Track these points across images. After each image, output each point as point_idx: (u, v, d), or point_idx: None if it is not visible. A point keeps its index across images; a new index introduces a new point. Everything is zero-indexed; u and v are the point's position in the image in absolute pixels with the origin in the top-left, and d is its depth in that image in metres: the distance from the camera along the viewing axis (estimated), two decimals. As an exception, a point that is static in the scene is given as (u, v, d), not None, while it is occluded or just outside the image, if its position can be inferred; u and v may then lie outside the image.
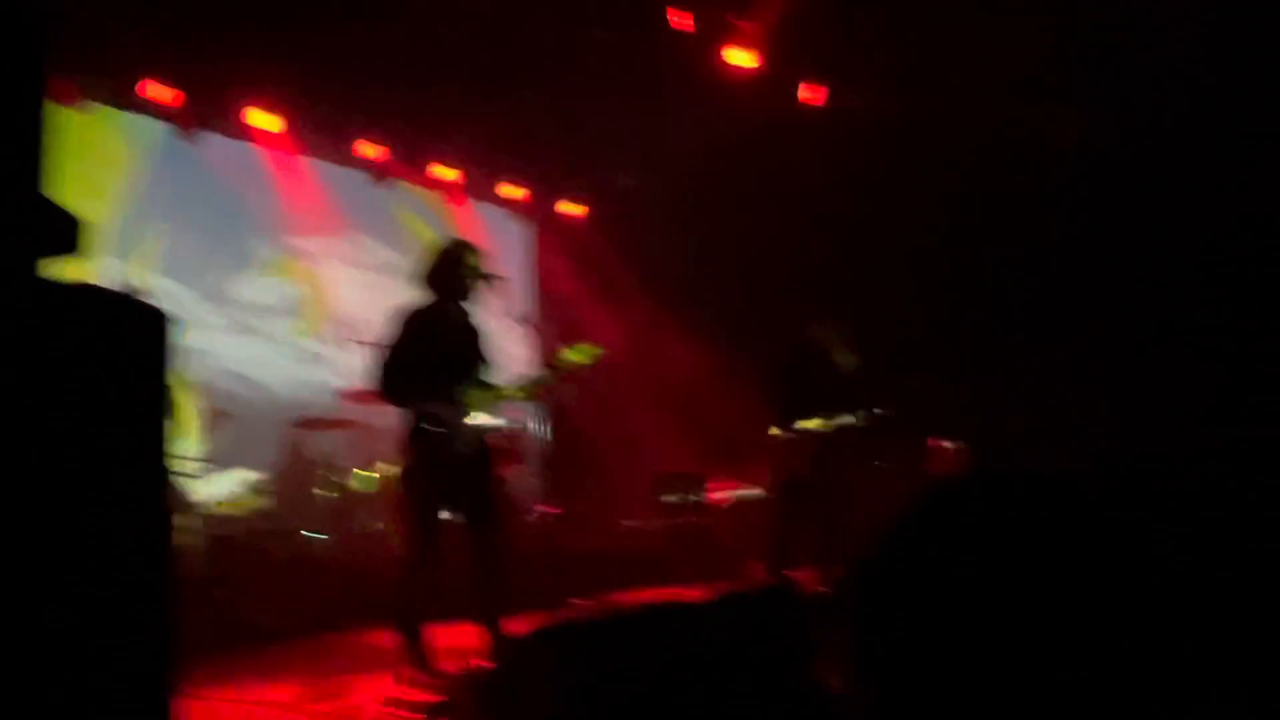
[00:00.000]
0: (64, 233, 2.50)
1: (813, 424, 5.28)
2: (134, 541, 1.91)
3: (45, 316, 1.85)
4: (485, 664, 3.62)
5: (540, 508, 7.52)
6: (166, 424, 2.20)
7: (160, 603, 2.03)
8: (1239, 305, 5.46)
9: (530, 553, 6.30)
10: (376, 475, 6.74)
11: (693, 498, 8.03)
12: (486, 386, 4.32)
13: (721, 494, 8.02)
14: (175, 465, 6.45)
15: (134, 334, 1.98)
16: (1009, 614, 0.74)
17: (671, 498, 8.11)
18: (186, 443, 6.78)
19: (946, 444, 6.32)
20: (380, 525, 6.61)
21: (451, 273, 4.27)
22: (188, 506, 6.35)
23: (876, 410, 5.36)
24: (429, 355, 4.20)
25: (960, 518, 0.79)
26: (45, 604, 1.74)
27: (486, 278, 4.29)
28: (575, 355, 4.44)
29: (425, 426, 4.17)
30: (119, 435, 1.89)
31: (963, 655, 0.74)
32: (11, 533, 1.73)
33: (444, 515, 4.18)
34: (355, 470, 6.76)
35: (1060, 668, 0.72)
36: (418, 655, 4.04)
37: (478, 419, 4.25)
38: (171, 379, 2.12)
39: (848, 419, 5.38)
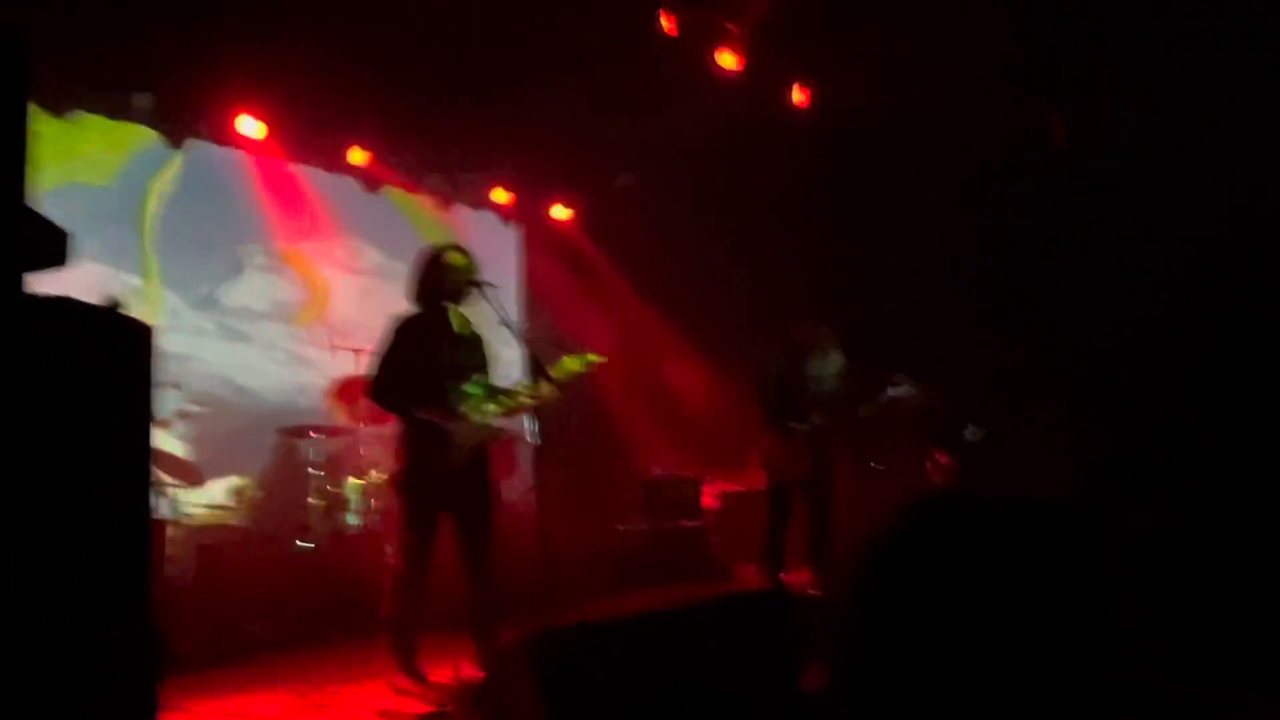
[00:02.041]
0: (52, 245, 2.49)
1: (805, 426, 5.29)
2: (116, 552, 1.91)
3: (30, 331, 1.84)
4: (476, 673, 3.61)
5: (534, 512, 7.51)
6: (150, 434, 2.20)
7: (142, 613, 2.02)
8: (1237, 308, 5.48)
9: (523, 558, 6.28)
10: (369, 482, 6.72)
11: (686, 500, 8.03)
12: (484, 390, 4.30)
13: (714, 496, 8.02)
14: (162, 474, 6.42)
15: (117, 347, 1.98)
16: (988, 629, 0.77)
17: (665, 501, 8.11)
18: (174, 450, 6.75)
19: (941, 456, 6.34)
20: (373, 533, 6.59)
21: (439, 277, 4.25)
22: (175, 515, 6.33)
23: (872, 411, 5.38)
24: (421, 361, 4.18)
25: (946, 537, 0.82)
26: (27, 616, 1.73)
27: (476, 283, 4.27)
28: (573, 364, 4.44)
29: (419, 433, 4.15)
30: (101, 447, 1.89)
31: (946, 668, 0.76)
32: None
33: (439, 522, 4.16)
34: (348, 477, 6.74)
35: (1035, 684, 0.74)
36: (410, 665, 4.02)
37: (476, 425, 4.23)
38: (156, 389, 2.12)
39: (841, 420, 5.39)
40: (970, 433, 6.21)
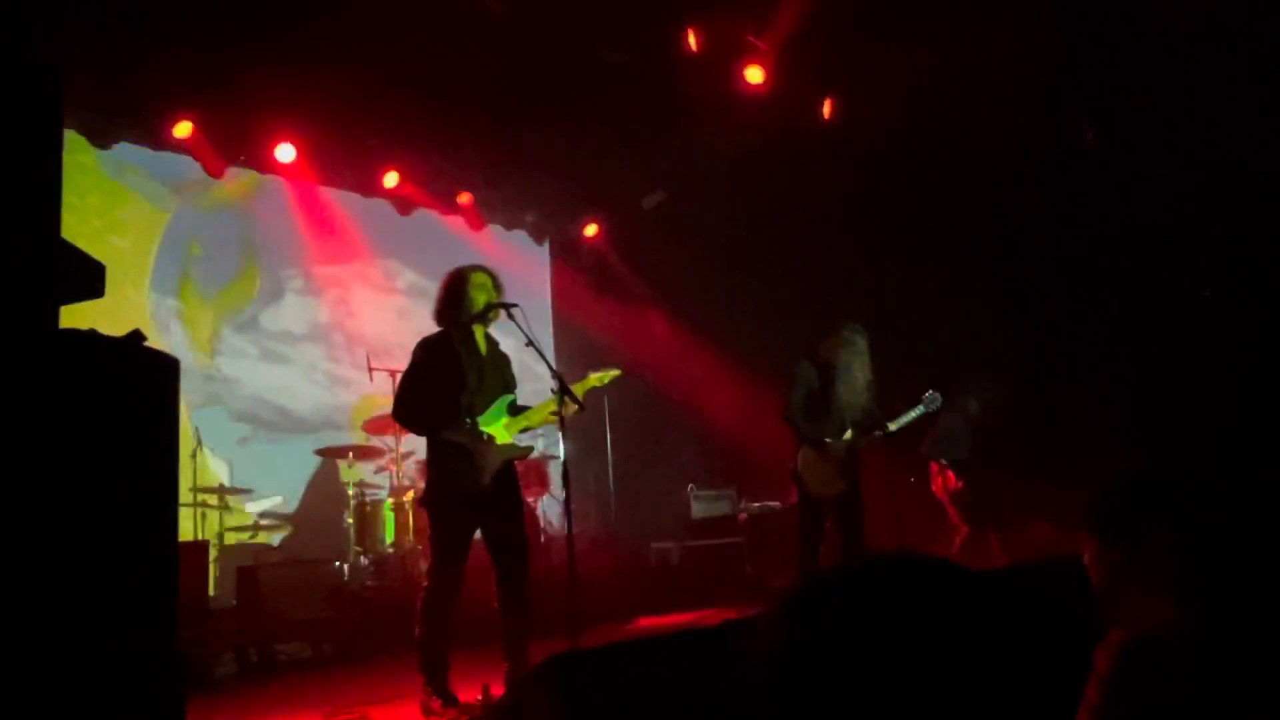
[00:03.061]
0: (87, 277, 2.57)
1: (835, 441, 5.25)
2: (141, 576, 1.95)
3: (61, 364, 1.90)
4: (502, 692, 3.62)
5: (565, 532, 7.53)
6: (176, 461, 2.25)
7: (168, 636, 2.06)
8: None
9: (556, 577, 6.30)
10: (403, 503, 6.79)
11: (722, 517, 8.00)
12: (508, 411, 4.34)
13: (747, 513, 7.98)
14: (203, 496, 6.54)
15: (142, 378, 2.03)
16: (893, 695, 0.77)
17: (701, 516, 8.08)
18: (216, 472, 6.89)
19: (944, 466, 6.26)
20: (407, 554, 6.65)
21: (464, 298, 4.29)
22: (216, 537, 6.43)
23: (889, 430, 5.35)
24: (447, 382, 4.22)
25: (852, 604, 0.81)
26: (52, 640, 1.78)
27: (502, 304, 4.30)
28: (597, 379, 4.49)
29: (447, 453, 4.18)
30: (127, 474, 1.93)
31: None
32: (25, 569, 1.77)
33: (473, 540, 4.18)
34: (384, 498, 6.82)
35: None
36: (441, 685, 4.04)
37: (502, 444, 4.25)
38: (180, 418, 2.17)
39: (874, 434, 5.35)
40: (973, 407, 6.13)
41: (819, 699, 0.77)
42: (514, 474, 4.33)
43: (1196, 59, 5.51)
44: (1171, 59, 5.60)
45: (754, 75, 7.07)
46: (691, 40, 6.80)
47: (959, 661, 0.77)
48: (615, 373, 4.57)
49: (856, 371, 5.28)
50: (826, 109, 7.48)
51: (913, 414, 5.49)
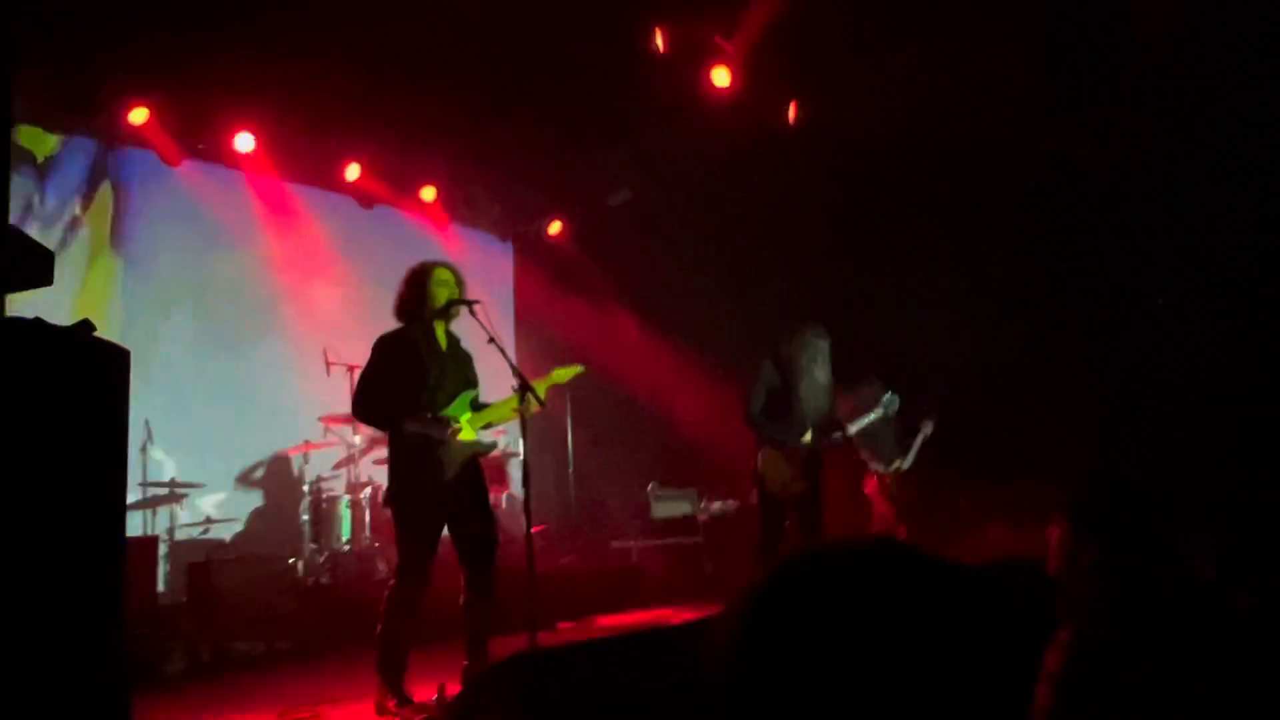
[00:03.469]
0: (36, 265, 2.50)
1: (795, 442, 5.28)
2: (87, 570, 1.90)
3: (4, 352, 1.84)
4: (458, 691, 3.59)
5: (526, 529, 7.50)
6: (125, 453, 2.20)
7: (114, 631, 2.02)
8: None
9: (516, 575, 6.26)
10: (361, 500, 6.72)
11: (684, 515, 8.01)
12: (470, 408, 4.31)
13: (706, 512, 8.00)
14: (154, 490, 6.41)
15: (91, 369, 1.98)
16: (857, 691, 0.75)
17: (661, 516, 8.09)
18: (168, 467, 6.76)
19: (878, 470, 6.24)
20: (364, 551, 6.58)
21: (425, 294, 4.26)
22: (167, 532, 6.32)
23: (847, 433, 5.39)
24: (407, 378, 4.18)
25: (809, 600, 0.79)
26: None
27: (463, 301, 4.27)
28: (560, 375, 4.49)
29: (409, 450, 4.14)
30: (74, 467, 1.89)
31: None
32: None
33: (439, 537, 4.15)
34: (341, 495, 6.74)
35: None
36: (396, 685, 4.00)
37: (465, 440, 4.23)
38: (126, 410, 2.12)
39: (834, 435, 5.39)
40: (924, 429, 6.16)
41: (779, 699, 0.76)
42: (479, 470, 4.32)
43: (1167, 67, 5.63)
44: (1141, 64, 5.72)
45: (721, 77, 7.09)
46: (659, 41, 6.80)
47: (928, 660, 0.75)
48: (578, 369, 4.58)
49: (818, 374, 5.32)
50: (791, 112, 7.53)
51: (872, 417, 5.55)
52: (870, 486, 6.41)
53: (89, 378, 1.84)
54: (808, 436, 5.29)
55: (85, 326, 1.86)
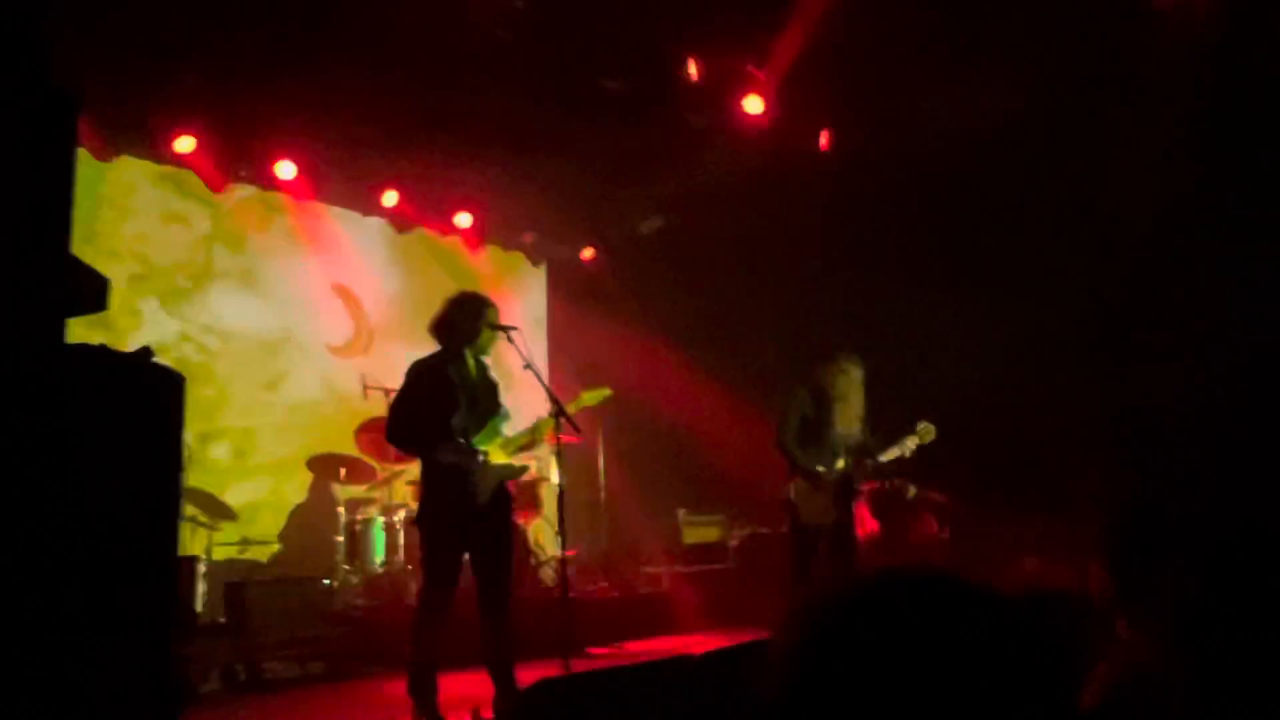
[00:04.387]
0: (92, 291, 2.59)
1: (829, 470, 5.28)
2: (141, 590, 1.96)
3: (68, 378, 1.92)
4: (492, 715, 3.62)
5: (557, 554, 7.53)
6: (179, 476, 2.26)
7: (165, 650, 2.07)
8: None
9: (546, 600, 6.28)
10: (395, 522, 6.77)
11: (714, 541, 8.00)
12: (500, 433, 4.36)
13: (738, 539, 7.97)
14: (192, 510, 6.52)
15: (149, 394, 2.05)
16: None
17: (692, 542, 8.08)
18: (206, 487, 6.86)
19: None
20: (398, 573, 6.63)
21: (461, 322, 4.32)
22: (204, 552, 6.41)
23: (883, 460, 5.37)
24: (440, 403, 4.24)
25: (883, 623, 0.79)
26: (52, 651, 1.79)
27: (498, 327, 4.34)
28: (590, 398, 4.55)
29: (441, 473, 4.20)
30: (130, 489, 1.95)
31: None
32: (27, 582, 1.79)
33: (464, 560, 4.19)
34: (375, 517, 6.80)
35: None
36: (429, 707, 4.03)
37: (497, 464, 4.28)
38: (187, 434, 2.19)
39: (866, 464, 5.38)
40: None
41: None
42: (508, 498, 4.35)
43: (1183, 95, 5.63)
44: (1162, 95, 5.72)
45: (753, 105, 7.16)
46: (692, 69, 6.89)
47: (987, 688, 0.76)
48: (606, 392, 4.64)
49: (851, 401, 5.31)
50: (823, 140, 7.57)
51: (908, 444, 5.52)
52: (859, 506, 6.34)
53: (148, 402, 1.91)
54: (840, 464, 5.29)
55: (145, 353, 1.93)
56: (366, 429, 6.98)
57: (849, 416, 5.36)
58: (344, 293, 8.48)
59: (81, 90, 2.02)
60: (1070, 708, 1.30)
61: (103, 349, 1.86)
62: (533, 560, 7.19)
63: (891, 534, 6.16)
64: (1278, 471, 4.87)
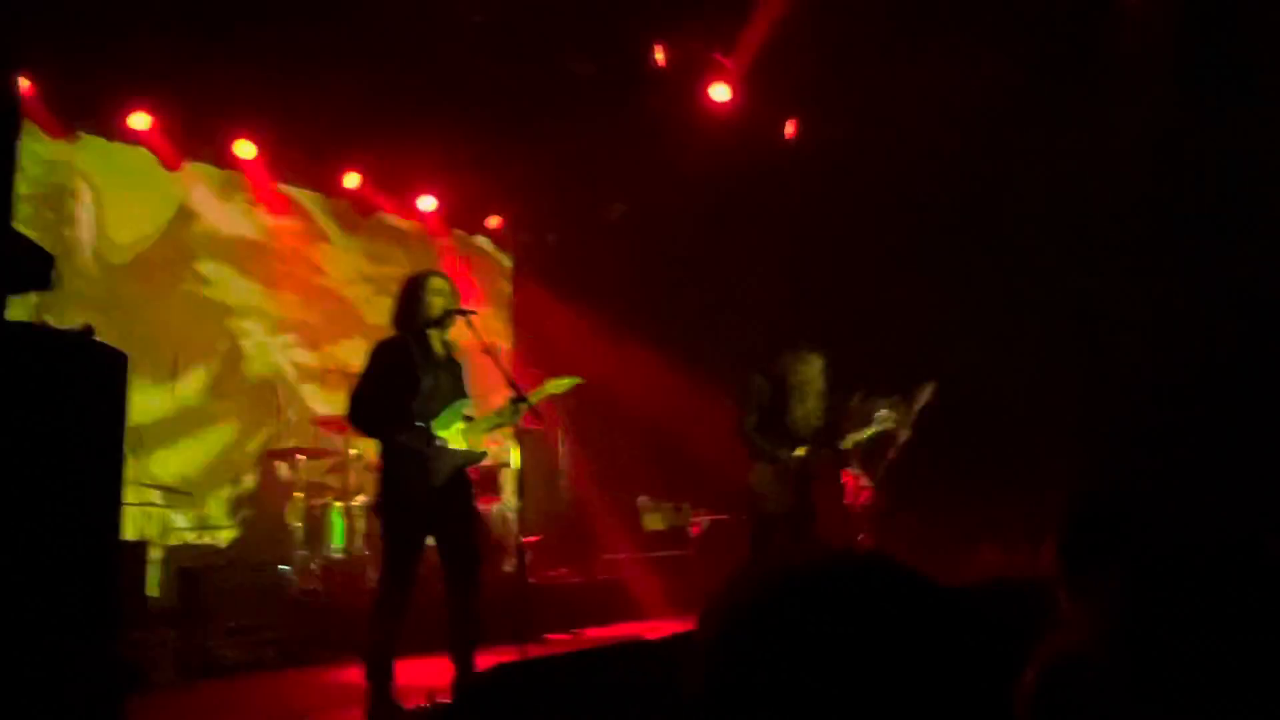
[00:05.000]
0: (36, 268, 2.52)
1: (789, 457, 5.30)
2: (83, 574, 1.92)
3: (6, 356, 1.87)
4: (448, 701, 3.60)
5: (517, 540, 7.51)
6: (122, 457, 2.22)
7: (110, 635, 2.03)
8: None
9: (506, 586, 6.26)
10: (352, 507, 6.71)
11: (674, 528, 8.03)
12: (461, 418, 4.33)
13: (697, 525, 8.01)
14: (146, 495, 6.41)
15: (89, 373, 2.00)
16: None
17: (652, 528, 8.10)
18: (159, 472, 6.75)
19: (858, 477, 6.21)
20: (355, 558, 6.57)
21: (420, 304, 4.28)
22: (158, 537, 6.31)
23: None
24: (400, 386, 4.20)
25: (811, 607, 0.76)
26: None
27: (459, 310, 4.30)
28: (555, 385, 4.52)
29: (400, 457, 4.16)
30: (70, 470, 1.91)
31: None
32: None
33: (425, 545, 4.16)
34: (332, 501, 6.73)
35: None
36: (385, 693, 4.00)
37: (455, 450, 4.24)
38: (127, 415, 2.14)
39: (825, 450, 5.41)
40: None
41: (757, 713, 0.74)
42: (467, 481, 4.33)
43: (1152, 76, 5.71)
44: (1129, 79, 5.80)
45: (720, 93, 7.15)
46: (659, 56, 6.86)
47: (906, 678, 0.73)
48: (573, 380, 4.61)
49: (812, 389, 5.34)
50: (789, 128, 7.59)
51: (867, 432, 5.56)
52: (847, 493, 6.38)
53: (89, 381, 1.87)
54: (801, 451, 5.31)
55: (86, 331, 1.88)
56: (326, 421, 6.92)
57: (809, 405, 5.38)
58: (307, 272, 8.36)
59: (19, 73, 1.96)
60: (1005, 696, 1.30)
61: (41, 326, 1.81)
62: (492, 545, 7.15)
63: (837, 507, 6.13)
64: (1246, 463, 4.98)
